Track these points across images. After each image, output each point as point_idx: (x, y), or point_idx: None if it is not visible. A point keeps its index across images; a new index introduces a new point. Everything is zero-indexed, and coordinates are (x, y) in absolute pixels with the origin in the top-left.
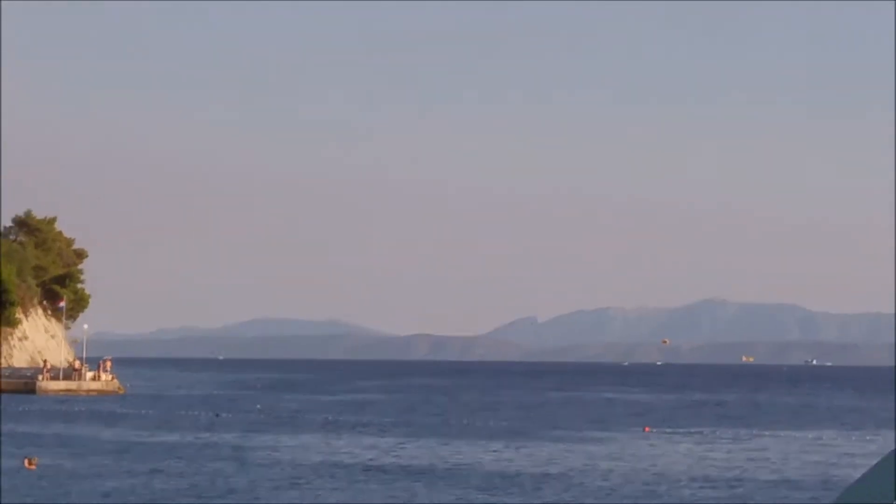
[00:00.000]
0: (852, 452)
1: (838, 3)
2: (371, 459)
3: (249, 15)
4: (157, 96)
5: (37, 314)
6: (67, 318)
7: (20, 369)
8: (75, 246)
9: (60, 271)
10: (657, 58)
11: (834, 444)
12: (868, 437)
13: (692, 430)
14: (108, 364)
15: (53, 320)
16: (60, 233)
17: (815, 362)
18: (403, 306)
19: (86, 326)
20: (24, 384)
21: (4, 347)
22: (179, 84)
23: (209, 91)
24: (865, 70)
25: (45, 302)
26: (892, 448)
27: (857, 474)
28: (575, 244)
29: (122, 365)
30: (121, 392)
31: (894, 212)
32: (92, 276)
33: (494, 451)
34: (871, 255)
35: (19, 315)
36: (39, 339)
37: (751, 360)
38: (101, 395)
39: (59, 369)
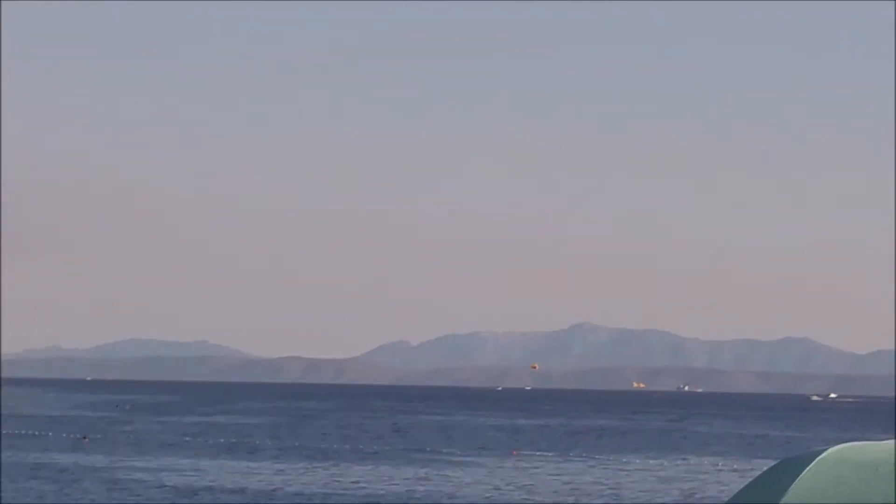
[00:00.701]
0: (721, 479)
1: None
2: (237, 482)
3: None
4: (28, 105)
5: None
6: None
7: None
8: None
9: None
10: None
11: (702, 469)
12: (736, 465)
13: (559, 453)
14: None
15: None
16: None
17: (686, 388)
18: (275, 328)
19: None
20: None
21: None
22: (53, 87)
23: (78, 100)
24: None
25: None
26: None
27: (726, 496)
28: (446, 267)
29: None
30: None
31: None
32: None
33: (361, 474)
34: (739, 282)
35: None
36: None
37: (642, 386)
38: None
39: None
